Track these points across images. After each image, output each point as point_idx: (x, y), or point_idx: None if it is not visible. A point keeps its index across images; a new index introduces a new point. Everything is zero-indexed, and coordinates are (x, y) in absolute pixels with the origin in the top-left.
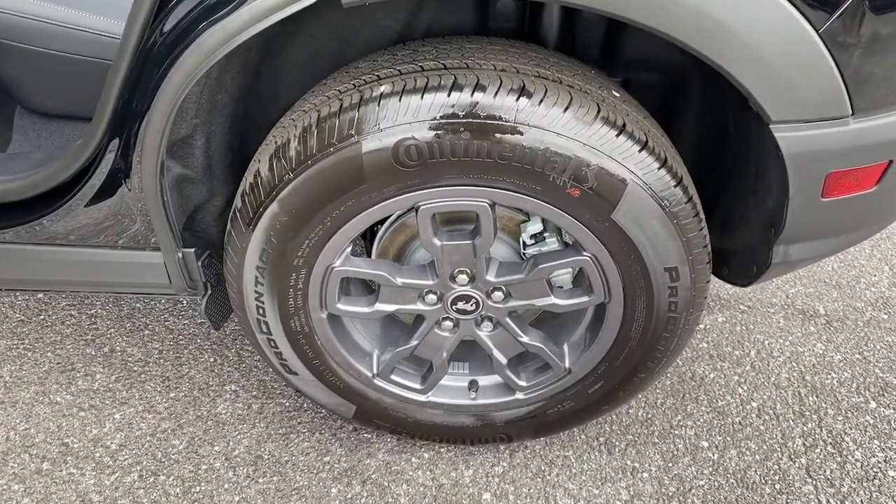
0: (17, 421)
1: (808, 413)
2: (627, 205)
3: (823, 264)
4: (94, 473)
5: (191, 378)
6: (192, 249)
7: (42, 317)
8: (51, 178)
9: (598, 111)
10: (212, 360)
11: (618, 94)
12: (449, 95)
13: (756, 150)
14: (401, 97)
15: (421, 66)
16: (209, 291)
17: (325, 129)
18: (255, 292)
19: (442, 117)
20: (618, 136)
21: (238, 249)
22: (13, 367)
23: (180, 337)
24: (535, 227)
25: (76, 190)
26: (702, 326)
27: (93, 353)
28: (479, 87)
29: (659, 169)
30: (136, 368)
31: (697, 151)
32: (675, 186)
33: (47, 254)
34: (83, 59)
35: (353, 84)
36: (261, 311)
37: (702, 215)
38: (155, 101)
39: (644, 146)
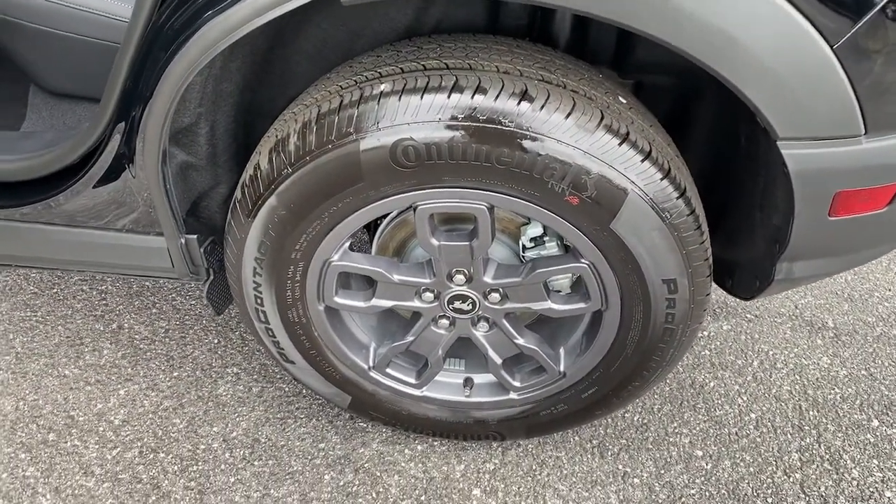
0: (27, 391)
1: (807, 428)
2: (627, 215)
3: (836, 276)
4: (97, 447)
5: (194, 358)
6: (195, 236)
7: (55, 290)
8: (60, 158)
9: (602, 118)
10: (216, 341)
11: (624, 101)
12: (449, 97)
13: (764, 164)
14: (400, 96)
15: (423, 65)
16: (211, 277)
17: (324, 126)
18: (254, 282)
19: (441, 119)
20: (620, 144)
21: (237, 240)
22: (25, 339)
23: (186, 317)
24: (535, 230)
25: (84, 172)
26: (706, 333)
27: (101, 328)
28: (479, 89)
29: (661, 180)
30: (142, 346)
31: (708, 158)
32: (677, 198)
33: (56, 233)
34: (96, 41)
35: (355, 80)
36: (259, 300)
37: (704, 228)
38: (157, 91)
39: (647, 156)
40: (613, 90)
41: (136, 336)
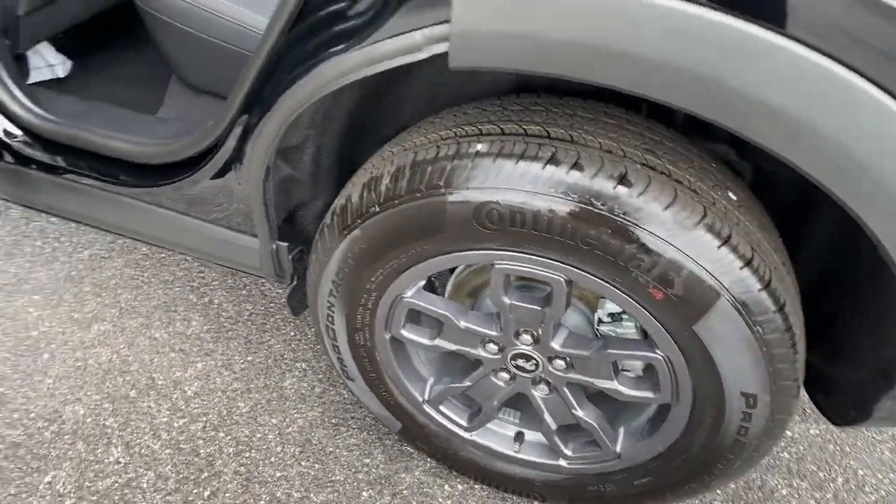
0: (122, 346)
1: None
2: (713, 320)
3: None
4: (168, 413)
5: (269, 346)
6: (286, 244)
7: (162, 255)
8: (186, 148)
9: (703, 216)
10: (292, 334)
11: (734, 197)
12: (544, 168)
13: (884, 288)
14: (495, 159)
15: (525, 129)
16: (295, 282)
17: (416, 174)
18: (328, 302)
19: (531, 189)
20: (719, 247)
21: (320, 260)
22: (129, 297)
23: (271, 305)
24: (614, 306)
25: (202, 164)
26: (789, 434)
27: (195, 300)
28: (577, 165)
29: (759, 291)
30: (226, 324)
31: (824, 261)
32: (774, 312)
33: (168, 218)
34: (231, 47)
35: (455, 132)
36: (330, 318)
37: (800, 348)
38: (269, 115)
39: (747, 263)
40: (723, 183)
41: (223, 314)
